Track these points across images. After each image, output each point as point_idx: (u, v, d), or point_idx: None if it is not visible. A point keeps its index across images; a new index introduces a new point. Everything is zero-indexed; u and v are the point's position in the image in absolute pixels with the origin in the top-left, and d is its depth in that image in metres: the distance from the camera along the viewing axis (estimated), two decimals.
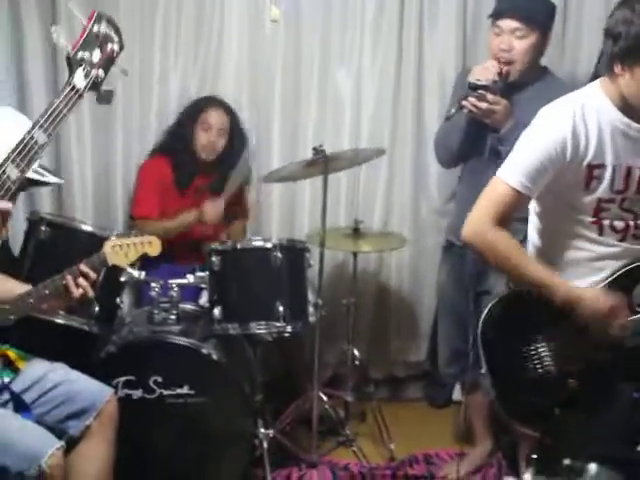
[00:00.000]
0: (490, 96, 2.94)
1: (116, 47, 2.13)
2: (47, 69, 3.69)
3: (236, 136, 3.73)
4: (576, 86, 2.46)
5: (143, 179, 3.70)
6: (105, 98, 2.15)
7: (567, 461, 0.94)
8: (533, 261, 2.45)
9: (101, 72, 2.09)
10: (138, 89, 3.81)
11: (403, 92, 3.93)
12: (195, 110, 3.69)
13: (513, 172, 2.34)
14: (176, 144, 3.69)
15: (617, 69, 2.24)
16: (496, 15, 3.08)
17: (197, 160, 3.69)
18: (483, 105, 2.94)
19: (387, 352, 4.17)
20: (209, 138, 3.66)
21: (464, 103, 2.96)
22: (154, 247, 2.65)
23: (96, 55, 2.08)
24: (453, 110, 3.00)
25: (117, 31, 2.14)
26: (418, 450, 3.60)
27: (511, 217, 2.39)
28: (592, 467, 0.89)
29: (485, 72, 2.98)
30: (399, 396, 4.26)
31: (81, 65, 2.06)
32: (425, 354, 4.19)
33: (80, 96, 2.08)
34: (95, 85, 2.10)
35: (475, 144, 3.11)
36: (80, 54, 2.06)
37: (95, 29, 2.07)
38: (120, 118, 3.81)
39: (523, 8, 3.02)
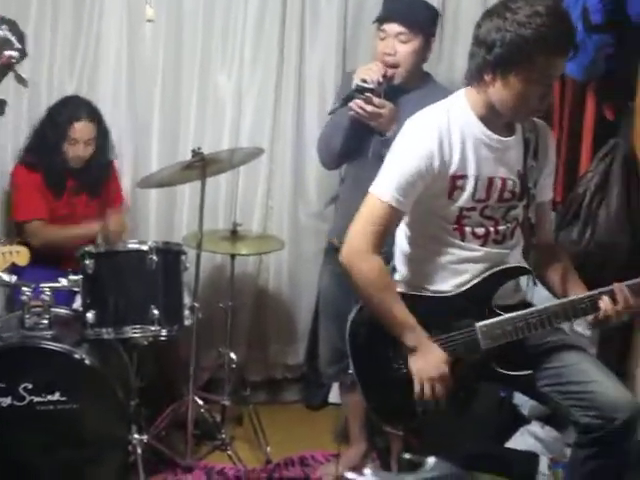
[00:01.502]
0: (376, 99, 2.97)
1: (14, 54, 1.99)
2: None
3: (102, 135, 3.66)
4: (454, 92, 2.52)
5: (19, 183, 3.60)
6: None
7: (407, 455, 0.98)
8: (399, 299, 2.45)
9: None
10: (13, 90, 3.67)
11: (284, 95, 3.94)
12: (60, 125, 3.55)
13: (386, 188, 2.36)
14: (43, 155, 3.58)
15: (487, 78, 2.30)
16: (381, 20, 3.14)
17: (67, 165, 3.61)
18: (369, 108, 2.98)
19: (265, 355, 4.17)
20: (76, 152, 3.57)
21: (351, 105, 2.99)
22: (22, 256, 2.59)
23: None
24: (337, 104, 3.04)
25: (20, 38, 2.00)
26: (294, 452, 3.61)
27: (389, 233, 2.43)
28: (430, 460, 0.93)
29: (370, 73, 3.02)
30: (276, 399, 4.26)
31: None
32: (303, 357, 4.21)
33: None
34: None
35: (358, 144, 3.15)
36: None
37: None
38: None
39: (407, 13, 3.09)
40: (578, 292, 2.43)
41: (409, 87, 3.14)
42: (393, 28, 3.08)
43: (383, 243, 2.40)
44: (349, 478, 0.89)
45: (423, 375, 2.38)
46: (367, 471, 0.85)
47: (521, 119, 2.42)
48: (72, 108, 3.58)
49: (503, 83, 2.27)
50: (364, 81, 2.98)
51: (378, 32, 3.15)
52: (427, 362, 2.38)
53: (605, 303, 2.34)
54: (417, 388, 2.39)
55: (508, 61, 2.23)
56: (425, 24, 3.15)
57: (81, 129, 3.55)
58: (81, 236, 3.52)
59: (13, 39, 1.98)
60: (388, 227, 2.39)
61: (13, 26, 1.97)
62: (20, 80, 2.02)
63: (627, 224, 3.01)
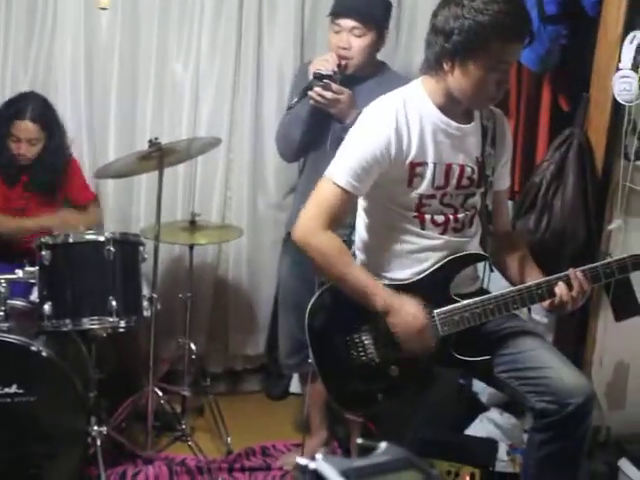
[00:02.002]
0: (335, 86, 3.00)
1: None
2: None
3: (54, 135, 3.60)
4: (411, 80, 2.53)
5: None
6: None
7: (360, 440, 0.98)
8: (358, 267, 2.49)
9: None
10: None
11: (242, 86, 3.92)
12: (3, 122, 3.51)
13: (340, 172, 2.37)
14: None
15: (446, 66, 2.32)
16: (335, 14, 3.16)
17: (17, 161, 3.57)
18: (328, 94, 3.00)
19: (225, 346, 4.17)
20: (19, 150, 3.52)
21: (310, 94, 3.01)
22: None
23: None
24: (295, 99, 3.05)
25: None
26: (255, 442, 3.61)
27: (342, 217, 2.43)
28: (382, 444, 0.94)
29: (325, 63, 3.05)
30: (237, 389, 4.26)
31: None
32: (263, 347, 4.21)
33: None
34: None
35: (317, 136, 3.17)
36: None
37: None
38: None
39: (361, 8, 3.10)
40: (535, 278, 2.46)
41: (364, 76, 3.17)
42: (347, 23, 3.10)
43: (335, 225, 2.40)
44: (301, 463, 0.89)
45: (405, 332, 2.38)
46: (318, 456, 0.85)
47: (480, 106, 2.44)
48: (19, 106, 3.53)
49: (462, 71, 2.30)
50: (320, 69, 3.01)
51: (332, 25, 3.17)
52: (403, 319, 2.37)
53: (561, 289, 2.37)
54: (406, 347, 2.40)
55: (466, 48, 2.26)
56: (379, 18, 3.18)
57: (24, 129, 3.51)
58: (31, 229, 3.48)
59: None
60: (340, 211, 2.40)
61: None
62: None
63: (582, 213, 3.05)
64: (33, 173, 3.60)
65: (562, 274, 2.39)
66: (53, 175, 3.63)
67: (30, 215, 3.57)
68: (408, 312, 2.37)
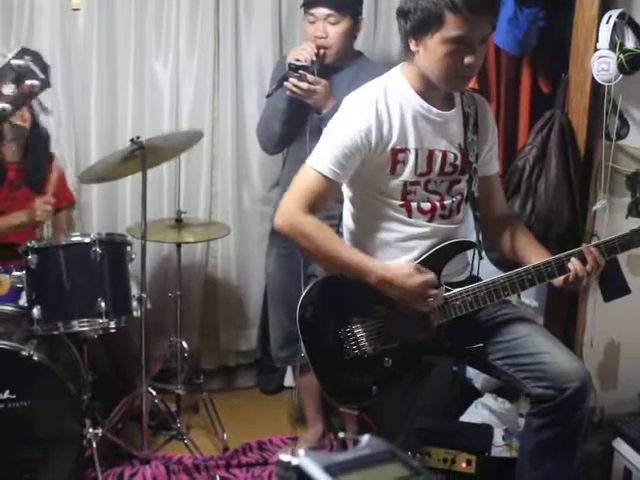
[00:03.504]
0: (310, 76, 3.00)
1: (36, 83, 2.00)
2: None
3: (36, 134, 3.57)
4: (390, 68, 2.53)
5: None
6: None
7: (342, 434, 0.99)
8: (345, 244, 2.50)
9: (7, 106, 1.97)
10: None
11: (222, 82, 3.92)
12: None
13: (321, 159, 2.38)
14: None
15: (412, 46, 2.34)
16: (308, 4, 3.16)
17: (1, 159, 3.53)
18: (304, 85, 3.00)
19: (217, 342, 4.17)
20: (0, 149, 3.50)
21: (286, 84, 3.02)
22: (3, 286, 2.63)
23: (8, 88, 1.96)
24: (273, 86, 3.07)
25: (44, 69, 2.01)
26: (252, 438, 3.62)
27: (323, 204, 2.41)
28: (364, 438, 0.93)
29: (303, 52, 3.06)
30: (231, 386, 4.27)
31: None
32: (256, 342, 4.22)
33: None
34: None
35: (297, 127, 3.18)
36: None
37: (14, 62, 1.96)
38: None
39: None
40: (542, 257, 2.43)
41: (342, 65, 3.19)
42: (322, 11, 3.12)
43: (316, 211, 2.39)
44: (283, 460, 0.89)
45: (408, 298, 2.37)
46: (301, 452, 0.85)
47: (451, 86, 2.41)
48: None
49: (424, 48, 2.31)
50: (297, 60, 3.01)
51: (307, 16, 3.18)
52: (401, 285, 2.35)
53: (575, 264, 2.35)
54: (415, 308, 2.39)
55: (423, 25, 2.27)
56: (352, 3, 3.19)
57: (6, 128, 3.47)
58: (9, 226, 3.43)
59: (36, 69, 1.98)
60: (322, 198, 2.39)
61: (36, 57, 1.98)
62: (43, 109, 2.04)
63: (566, 194, 3.04)
64: (21, 167, 3.54)
65: (574, 250, 2.38)
66: (41, 167, 3.57)
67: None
68: (402, 274, 2.35)
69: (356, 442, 0.98)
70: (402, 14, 2.33)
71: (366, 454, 0.91)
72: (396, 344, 2.45)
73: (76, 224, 3.85)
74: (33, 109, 3.56)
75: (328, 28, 3.12)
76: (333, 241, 2.41)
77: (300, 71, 2.99)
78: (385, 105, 2.38)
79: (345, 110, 2.43)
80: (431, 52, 2.30)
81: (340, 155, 2.35)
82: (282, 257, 3.37)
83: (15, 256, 3.26)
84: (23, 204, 3.58)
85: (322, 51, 3.11)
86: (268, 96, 3.15)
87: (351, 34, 3.19)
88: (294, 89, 3.02)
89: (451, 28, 2.24)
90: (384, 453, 0.91)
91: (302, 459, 0.91)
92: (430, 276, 2.38)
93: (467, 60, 2.29)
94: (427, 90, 2.40)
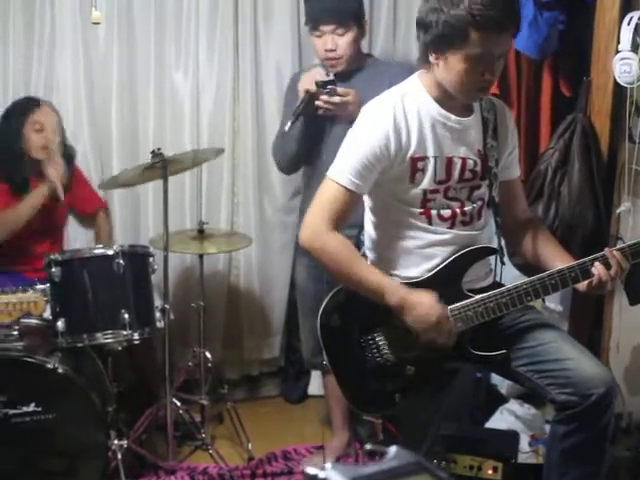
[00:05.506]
0: (340, 89, 3.02)
1: None
2: None
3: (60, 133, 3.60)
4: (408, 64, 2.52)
5: None
6: None
7: (369, 445, 0.98)
8: (369, 265, 2.49)
9: None
10: None
11: (242, 92, 3.92)
12: (22, 112, 3.51)
13: (342, 171, 2.37)
14: (3, 163, 3.53)
15: (432, 58, 2.32)
16: (313, 22, 3.19)
17: (29, 163, 3.53)
18: (337, 99, 3.01)
19: (241, 352, 4.16)
20: (46, 138, 3.50)
21: (318, 103, 3.02)
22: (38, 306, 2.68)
23: None
24: (289, 123, 3.06)
25: None
26: (277, 447, 3.61)
27: (346, 216, 2.41)
28: (391, 449, 0.92)
29: (317, 75, 3.11)
30: (255, 395, 4.25)
31: None
32: (279, 350, 4.21)
33: None
34: None
35: (312, 150, 3.20)
36: None
37: None
38: None
39: (337, 9, 3.13)
40: (566, 261, 2.40)
41: (352, 70, 3.20)
42: (328, 27, 3.13)
43: (340, 225, 2.39)
44: (309, 473, 0.88)
45: (423, 326, 2.36)
46: (328, 465, 0.84)
47: (469, 98, 2.41)
48: (26, 100, 3.55)
49: (444, 63, 2.29)
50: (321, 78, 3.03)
51: (313, 32, 3.20)
52: (419, 313, 2.35)
53: (599, 269, 2.33)
54: (425, 340, 2.38)
55: (444, 40, 2.25)
56: (355, 12, 3.20)
57: (47, 114, 3.52)
58: (33, 205, 3.43)
59: None
60: (345, 210, 2.38)
61: None
62: None
63: (590, 198, 3.03)
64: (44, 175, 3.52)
65: (598, 255, 2.35)
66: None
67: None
68: (424, 305, 2.35)
69: (382, 453, 0.97)
70: (422, 26, 2.30)
71: (394, 466, 0.90)
72: (418, 352, 2.44)
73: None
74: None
75: (336, 40, 3.13)
76: (356, 261, 2.42)
77: (329, 86, 2.99)
78: (403, 114, 2.36)
79: (363, 120, 2.42)
80: (451, 67, 2.28)
81: (360, 166, 2.35)
82: (311, 267, 3.35)
83: (33, 261, 3.29)
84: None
85: (333, 62, 3.14)
86: (290, 128, 3.09)
87: (358, 40, 3.22)
88: (327, 106, 3.02)
89: (474, 45, 2.22)
90: (412, 465, 0.90)
91: (329, 471, 0.90)
92: (445, 312, 2.37)
93: (487, 76, 2.29)
94: (445, 98, 2.39)
